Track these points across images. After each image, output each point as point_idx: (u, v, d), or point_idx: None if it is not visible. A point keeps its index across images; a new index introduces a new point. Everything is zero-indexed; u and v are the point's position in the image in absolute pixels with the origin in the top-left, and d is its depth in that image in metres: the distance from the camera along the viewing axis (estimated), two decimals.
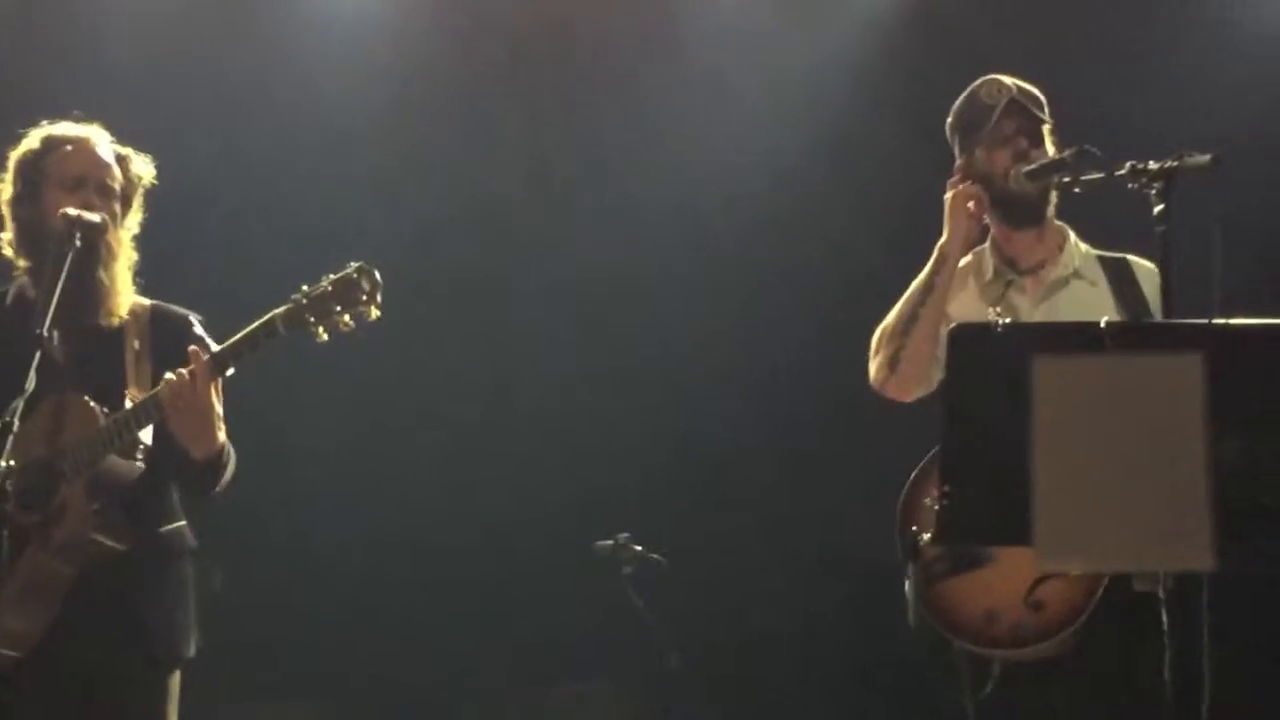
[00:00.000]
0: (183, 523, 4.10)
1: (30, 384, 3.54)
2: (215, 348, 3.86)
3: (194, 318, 4.13)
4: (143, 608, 3.95)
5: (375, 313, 3.80)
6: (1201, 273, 3.29)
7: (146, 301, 4.14)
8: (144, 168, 4.14)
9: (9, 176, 4.08)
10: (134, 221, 4.13)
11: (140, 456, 3.90)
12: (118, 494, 3.88)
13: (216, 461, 3.90)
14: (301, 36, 6.97)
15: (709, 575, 6.76)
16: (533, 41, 7.10)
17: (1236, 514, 2.77)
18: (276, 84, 6.89)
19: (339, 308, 3.77)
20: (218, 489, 4.02)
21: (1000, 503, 2.92)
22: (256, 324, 3.83)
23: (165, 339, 4.00)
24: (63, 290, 3.79)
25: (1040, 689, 3.61)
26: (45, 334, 3.65)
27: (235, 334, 3.87)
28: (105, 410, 3.88)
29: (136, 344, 3.98)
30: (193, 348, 3.82)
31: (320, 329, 3.79)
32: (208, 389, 3.78)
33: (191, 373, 3.76)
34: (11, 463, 3.43)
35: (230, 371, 3.87)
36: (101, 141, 4.09)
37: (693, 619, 6.48)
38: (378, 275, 3.79)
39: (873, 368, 3.99)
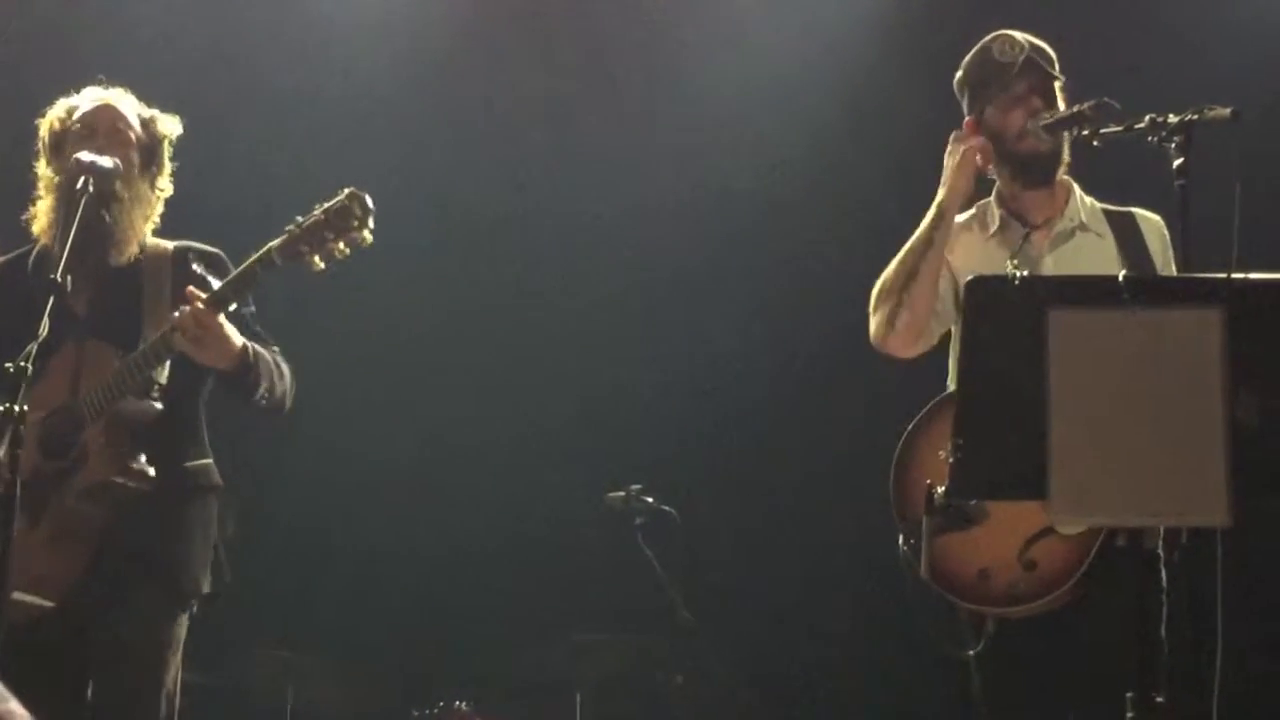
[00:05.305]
0: (208, 460, 4.13)
1: (44, 330, 3.54)
2: (216, 284, 3.88)
3: (221, 255, 4.16)
4: (163, 540, 3.97)
5: (368, 238, 3.81)
6: (1220, 227, 3.26)
7: (169, 244, 4.18)
8: (169, 126, 4.19)
9: (42, 148, 4.16)
10: (164, 181, 4.19)
11: (156, 395, 3.93)
12: (136, 434, 3.91)
13: (244, 362, 3.92)
14: None
15: (720, 527, 6.77)
16: None
17: (1254, 471, 2.76)
18: (295, 29, 6.87)
19: (332, 235, 3.79)
20: (274, 394, 4.05)
21: (1015, 456, 2.91)
22: (253, 258, 3.86)
23: (190, 275, 4.01)
24: (76, 234, 3.82)
25: (1037, 645, 3.60)
26: (60, 280, 3.65)
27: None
28: (120, 353, 3.90)
29: (154, 286, 3.98)
30: (190, 288, 3.85)
31: (316, 258, 3.80)
32: (214, 321, 3.81)
33: (193, 311, 3.79)
34: (26, 407, 3.43)
35: (234, 307, 3.89)
36: (120, 100, 4.16)
37: (703, 571, 6.48)
38: (369, 200, 3.81)
39: (872, 325, 3.97)
